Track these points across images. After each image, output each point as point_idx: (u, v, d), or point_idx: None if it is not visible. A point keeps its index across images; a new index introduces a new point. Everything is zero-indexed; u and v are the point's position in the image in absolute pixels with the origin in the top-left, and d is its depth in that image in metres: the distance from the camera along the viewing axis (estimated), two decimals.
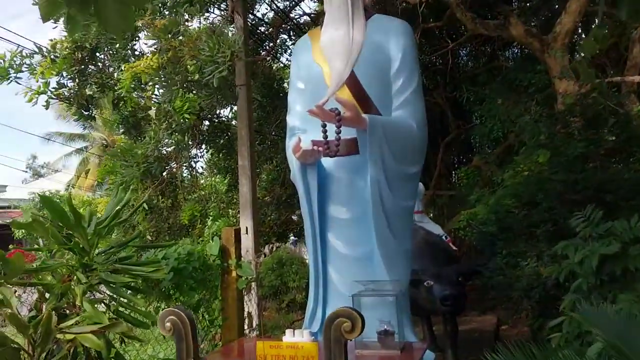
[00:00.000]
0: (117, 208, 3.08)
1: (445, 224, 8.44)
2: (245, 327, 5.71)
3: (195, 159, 7.70)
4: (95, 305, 3.23)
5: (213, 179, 8.69)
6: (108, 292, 3.20)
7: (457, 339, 5.45)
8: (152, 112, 4.35)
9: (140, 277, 3.17)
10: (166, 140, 4.93)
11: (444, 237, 5.67)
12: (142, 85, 4.85)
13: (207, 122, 7.74)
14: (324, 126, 3.48)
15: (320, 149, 3.47)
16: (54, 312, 2.81)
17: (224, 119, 7.76)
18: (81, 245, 3.03)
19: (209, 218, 7.44)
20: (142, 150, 4.95)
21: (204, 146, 7.91)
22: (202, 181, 8.63)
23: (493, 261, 4.48)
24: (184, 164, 7.06)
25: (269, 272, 4.74)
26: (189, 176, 7.73)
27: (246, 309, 5.97)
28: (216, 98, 5.51)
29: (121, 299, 3.15)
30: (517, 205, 4.55)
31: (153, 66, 3.95)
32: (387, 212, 3.56)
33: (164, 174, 6.41)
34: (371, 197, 3.54)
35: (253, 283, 5.10)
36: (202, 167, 8.43)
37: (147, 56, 4.19)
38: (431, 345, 5.90)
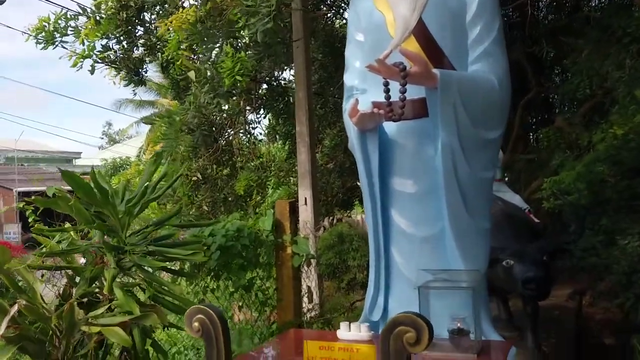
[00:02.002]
0: (146, 183, 2.71)
1: (522, 192, 7.73)
2: (304, 304, 5.35)
3: (253, 125, 7.32)
4: (131, 290, 2.92)
5: (272, 146, 8.32)
6: (141, 276, 2.85)
7: (538, 320, 4.89)
8: (192, 74, 3.94)
9: (177, 260, 2.81)
10: (212, 105, 4.51)
11: (525, 210, 5.03)
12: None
13: (265, 86, 7.33)
14: (386, 84, 2.95)
15: (382, 111, 2.94)
16: (77, 302, 2.49)
17: (282, 81, 7.30)
18: (109, 225, 2.68)
19: (268, 187, 7.11)
20: (182, 116, 4.58)
21: (262, 111, 7.52)
22: (263, 149, 8.27)
23: (583, 238, 3.84)
24: (241, 131, 6.68)
25: (326, 250, 4.31)
26: (247, 143, 7.38)
27: (304, 284, 5.60)
28: (266, 56, 5.01)
29: (157, 284, 2.80)
30: (615, 174, 3.87)
31: (190, 20, 3.51)
32: (461, 184, 3.02)
33: (220, 141, 6.05)
34: (442, 167, 3.00)
35: (312, 260, 4.69)
36: (261, 134, 8.04)
37: (184, 8, 3.74)
38: (508, 325, 5.38)
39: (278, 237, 4.43)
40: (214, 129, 6.35)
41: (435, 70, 2.89)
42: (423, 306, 2.51)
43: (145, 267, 2.81)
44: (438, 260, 3.05)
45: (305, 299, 5.39)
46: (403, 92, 2.83)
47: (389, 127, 3.19)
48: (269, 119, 7.77)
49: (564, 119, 8.17)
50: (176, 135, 4.50)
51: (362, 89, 3.34)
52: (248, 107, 6.69)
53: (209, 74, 3.82)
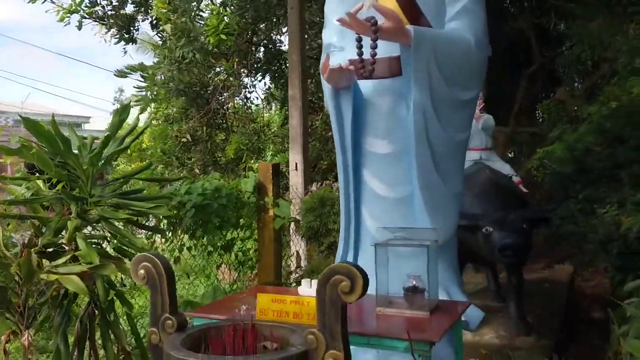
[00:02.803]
0: (107, 134, 2.68)
1: (525, 164, 7.63)
2: (292, 267, 5.37)
3: (249, 89, 7.26)
4: (99, 243, 2.93)
5: (269, 112, 8.26)
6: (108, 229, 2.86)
7: (522, 291, 4.85)
8: (168, 27, 3.87)
9: (140, 213, 2.80)
10: (187, 60, 4.44)
11: (513, 177, 4.96)
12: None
13: (262, 49, 7.24)
14: (359, 40, 2.88)
15: (351, 67, 2.88)
16: (40, 251, 2.50)
17: (280, 45, 7.21)
18: (72, 175, 2.68)
19: (266, 152, 7.08)
20: (156, 70, 4.51)
21: (259, 75, 7.45)
22: (259, 114, 8.21)
23: (565, 207, 3.79)
24: (236, 95, 6.63)
25: (307, 213, 4.30)
26: (243, 107, 7.33)
27: (293, 248, 5.62)
28: (251, 11, 4.91)
29: (121, 237, 2.80)
30: (601, 143, 3.80)
31: None
32: (432, 145, 2.97)
33: (212, 103, 6.00)
34: (414, 127, 2.95)
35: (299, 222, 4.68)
36: (257, 98, 7.98)
37: None
38: (496, 296, 5.36)
39: (260, 200, 4.42)
40: (208, 90, 6.29)
41: (409, 27, 2.82)
42: (379, 263, 2.49)
43: (111, 220, 2.81)
44: (407, 222, 3.02)
45: (293, 262, 5.42)
46: (374, 47, 2.76)
47: (365, 86, 3.14)
48: (265, 83, 7.71)
49: (566, 90, 8.02)
50: (150, 89, 4.45)
51: (340, 47, 3.27)
52: (244, 70, 6.61)
53: (186, 27, 3.74)
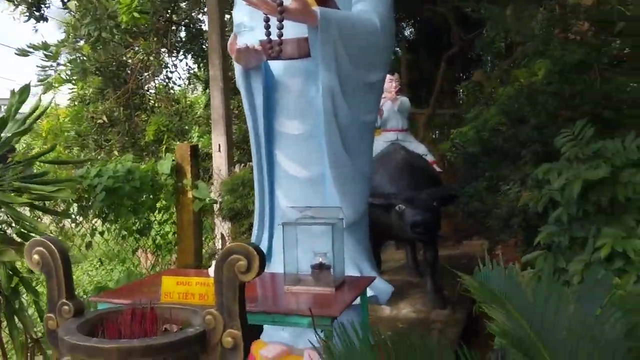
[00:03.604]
0: (3, 115, 2.57)
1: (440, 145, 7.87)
2: (218, 250, 5.34)
3: (170, 70, 7.10)
4: (3, 229, 2.82)
5: (193, 91, 8.12)
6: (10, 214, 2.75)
7: (437, 266, 5.06)
8: (72, 4, 3.72)
9: (42, 197, 2.71)
10: (93, 37, 4.28)
11: (427, 157, 5.14)
12: None
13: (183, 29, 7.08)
14: (266, 20, 2.89)
15: (258, 48, 2.88)
16: None
17: (200, 24, 7.07)
18: None
19: (192, 134, 6.97)
20: (59, 47, 4.34)
21: (181, 56, 7.28)
22: (182, 96, 8.04)
23: (472, 185, 3.96)
24: (156, 74, 6.46)
25: (227, 194, 4.28)
26: (165, 88, 7.16)
27: (218, 231, 5.59)
28: None
29: (24, 221, 2.71)
30: (505, 123, 3.98)
31: None
32: (341, 126, 3.02)
33: (130, 84, 5.83)
34: (323, 108, 2.99)
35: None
36: (180, 78, 7.80)
37: None
38: (414, 272, 5.55)
39: (179, 182, 4.36)
40: (127, 70, 6.10)
41: (315, 8, 2.84)
42: (287, 242, 2.53)
43: (12, 205, 2.70)
44: (319, 201, 3.07)
45: (218, 244, 5.39)
46: (280, 28, 2.78)
47: (276, 67, 3.15)
48: (187, 64, 7.57)
49: (482, 72, 8.31)
50: (54, 68, 4.27)
51: (250, 27, 3.25)
52: (164, 50, 6.44)
53: (90, 4, 3.61)
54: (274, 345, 3.05)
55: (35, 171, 3.10)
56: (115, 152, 6.02)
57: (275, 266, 3.05)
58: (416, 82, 10.14)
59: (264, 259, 1.77)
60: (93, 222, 3.75)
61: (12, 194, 2.67)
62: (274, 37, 2.89)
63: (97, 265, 4.55)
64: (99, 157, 5.66)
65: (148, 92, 6.35)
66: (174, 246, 4.39)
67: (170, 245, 4.36)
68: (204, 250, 4.62)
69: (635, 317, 1.57)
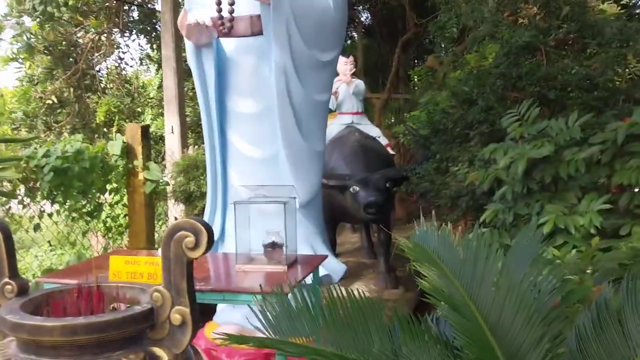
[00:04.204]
0: None
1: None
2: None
3: (122, 49, 6.92)
4: None
5: (146, 72, 7.95)
6: None
7: (390, 247, 5.12)
8: None
9: None
10: (35, 10, 4.13)
11: (381, 140, 5.18)
12: None
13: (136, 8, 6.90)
14: None
15: (208, 24, 2.85)
16: None
17: (153, 4, 6.90)
18: None
19: (145, 115, 6.83)
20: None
21: (133, 36, 7.11)
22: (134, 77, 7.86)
23: (422, 167, 4.03)
24: (107, 54, 6.29)
25: (178, 175, 4.23)
26: (117, 68, 6.99)
27: (171, 214, 5.52)
28: None
29: None
30: (455, 106, 4.06)
31: None
32: (294, 105, 3.04)
33: (80, 64, 5.66)
34: (275, 87, 2.99)
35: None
36: (132, 59, 7.62)
37: None
38: (368, 253, 5.61)
39: (129, 163, 4.28)
40: (79, 50, 5.92)
41: None
42: (240, 221, 2.52)
43: None
44: (273, 181, 3.07)
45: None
46: (232, 4, 2.76)
47: (228, 44, 3.12)
48: (139, 44, 7.39)
49: (435, 57, 8.40)
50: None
51: (202, 3, 3.20)
52: (116, 30, 6.28)
53: None
54: (227, 326, 3.05)
55: None
56: (65, 134, 5.85)
57: (229, 247, 3.04)
58: (372, 67, 10.20)
59: (212, 235, 1.76)
60: (41, 204, 3.65)
61: None
62: (225, 14, 2.87)
63: (47, 249, 4.43)
64: (47, 139, 5.50)
65: (99, 73, 6.18)
66: (125, 229, 4.31)
67: (121, 228, 4.29)
68: (156, 235, 4.56)
69: (571, 285, 1.65)
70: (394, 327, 1.40)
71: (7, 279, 1.93)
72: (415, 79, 10.75)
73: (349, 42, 10.49)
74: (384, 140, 5.43)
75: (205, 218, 3.29)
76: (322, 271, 2.81)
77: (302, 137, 3.07)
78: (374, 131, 5.35)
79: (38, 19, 4.71)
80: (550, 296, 1.37)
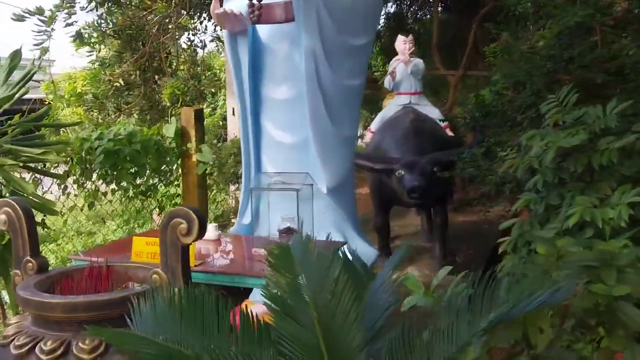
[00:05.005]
0: None
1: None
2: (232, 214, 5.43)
3: (192, 31, 7.11)
4: None
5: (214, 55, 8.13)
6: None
7: (446, 231, 5.01)
8: None
9: (30, 160, 2.81)
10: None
11: (439, 121, 5.03)
12: None
13: None
14: None
15: (237, 12, 2.88)
16: None
17: None
18: None
19: (219, 97, 7.01)
20: (54, 12, 4.37)
21: (203, 18, 7.27)
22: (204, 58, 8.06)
23: (471, 151, 3.88)
24: (174, 36, 6.49)
25: (227, 158, 4.33)
26: (187, 50, 7.20)
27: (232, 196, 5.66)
28: None
29: (14, 182, 2.83)
30: (507, 87, 3.85)
31: None
32: (324, 90, 3.02)
33: (147, 47, 5.89)
34: (305, 71, 2.99)
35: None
36: (201, 42, 7.80)
37: None
38: (427, 237, 5.52)
39: (183, 145, 4.44)
40: (147, 33, 6.15)
41: None
42: (255, 207, 2.56)
43: (4, 167, 2.82)
44: (303, 167, 3.09)
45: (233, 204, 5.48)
46: None
47: (263, 31, 3.14)
48: (207, 27, 7.55)
49: (511, 33, 7.98)
50: (44, 31, 4.31)
51: None
52: (183, 11, 6.46)
53: None
54: (258, 305, 3.13)
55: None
56: (135, 115, 6.14)
57: (262, 230, 3.10)
58: (449, 43, 9.86)
59: (203, 223, 1.81)
60: (96, 184, 3.87)
61: (2, 157, 2.79)
62: (255, 1, 2.88)
63: (100, 227, 4.70)
64: (117, 120, 5.80)
65: (168, 55, 6.39)
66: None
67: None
68: (210, 214, 4.72)
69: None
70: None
71: (28, 257, 2.09)
72: (491, 56, 10.29)
73: (428, 16, 10.21)
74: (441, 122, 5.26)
75: (240, 201, 3.36)
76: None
77: (330, 121, 3.05)
78: (433, 112, 5.19)
79: (107, 5, 4.93)
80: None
